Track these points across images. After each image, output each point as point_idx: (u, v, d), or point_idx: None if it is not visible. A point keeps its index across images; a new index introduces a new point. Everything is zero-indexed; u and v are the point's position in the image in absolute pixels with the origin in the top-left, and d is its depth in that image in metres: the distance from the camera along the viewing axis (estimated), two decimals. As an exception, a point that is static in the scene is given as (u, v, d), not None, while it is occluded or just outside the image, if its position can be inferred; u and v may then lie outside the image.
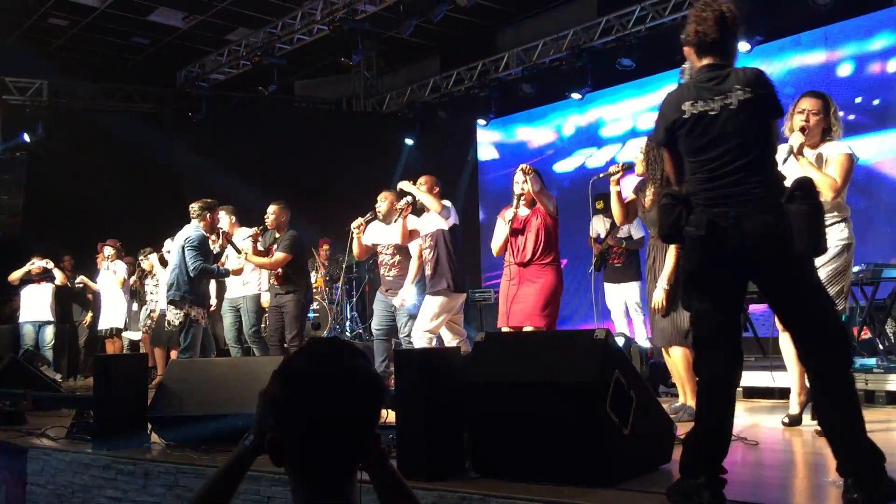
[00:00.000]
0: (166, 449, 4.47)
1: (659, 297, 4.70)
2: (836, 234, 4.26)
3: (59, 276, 9.83)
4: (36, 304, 9.64)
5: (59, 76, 12.13)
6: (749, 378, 5.64)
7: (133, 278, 9.95)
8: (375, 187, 7.13)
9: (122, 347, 9.88)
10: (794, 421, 4.54)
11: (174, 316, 6.69)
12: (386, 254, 6.74)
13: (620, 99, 11.33)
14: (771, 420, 4.80)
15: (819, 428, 4.21)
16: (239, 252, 7.06)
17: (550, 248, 5.55)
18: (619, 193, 5.08)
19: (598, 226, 8.24)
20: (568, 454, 3.17)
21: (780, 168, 3.15)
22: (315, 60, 12.88)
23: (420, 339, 6.01)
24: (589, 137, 11.75)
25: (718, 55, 2.96)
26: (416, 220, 6.45)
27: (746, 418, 4.98)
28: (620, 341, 5.99)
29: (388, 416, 3.81)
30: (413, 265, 6.46)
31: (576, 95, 10.96)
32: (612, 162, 5.25)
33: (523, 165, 5.69)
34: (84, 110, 12.27)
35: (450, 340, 6.12)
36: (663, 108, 3.06)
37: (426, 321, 6.03)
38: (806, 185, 2.81)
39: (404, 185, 6.39)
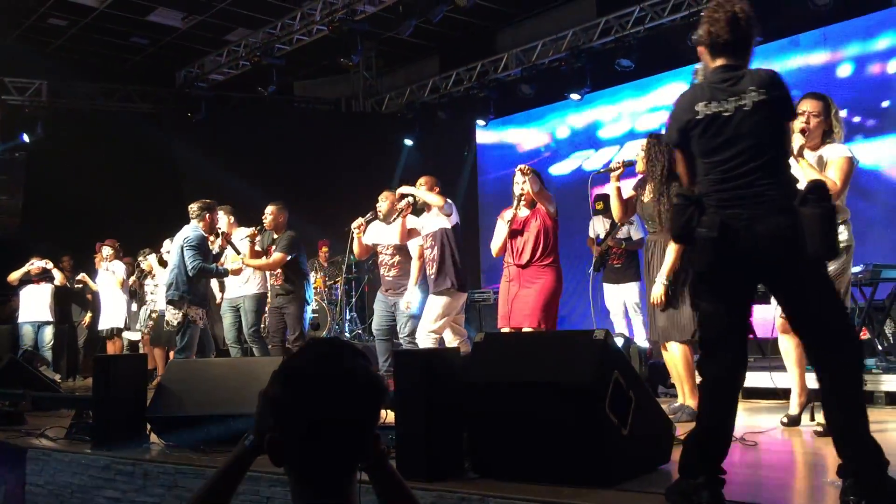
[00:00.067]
0: (165, 449, 4.47)
1: (658, 291, 4.71)
2: (836, 237, 4.26)
3: (59, 277, 9.83)
4: (35, 305, 9.64)
5: (58, 76, 12.12)
6: (748, 378, 5.59)
7: (132, 279, 9.95)
8: (374, 188, 7.14)
9: (123, 348, 9.88)
10: (793, 421, 4.55)
11: (172, 316, 6.70)
12: (386, 254, 6.75)
13: (619, 100, 11.33)
14: (770, 420, 4.80)
15: (818, 429, 4.24)
16: (238, 252, 7.07)
17: (550, 249, 5.56)
18: (618, 189, 5.10)
19: (598, 226, 8.24)
20: (567, 454, 3.18)
21: None
22: (314, 61, 12.87)
23: (425, 339, 5.99)
24: (588, 138, 11.75)
25: (732, 56, 2.95)
26: (416, 219, 6.46)
27: (745, 419, 4.98)
28: (619, 342, 5.99)
29: (388, 416, 3.81)
30: (414, 266, 6.46)
31: (575, 96, 10.96)
32: (609, 165, 5.25)
33: (522, 165, 5.70)
34: (83, 110, 12.27)
35: (450, 341, 6.10)
36: (676, 109, 3.04)
37: (430, 321, 6.01)
38: (819, 188, 2.80)
39: (404, 189, 6.41)
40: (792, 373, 4.57)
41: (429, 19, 10.11)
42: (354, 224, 6.67)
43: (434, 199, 6.15)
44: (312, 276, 9.10)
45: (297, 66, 12.57)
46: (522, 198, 5.61)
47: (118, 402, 4.53)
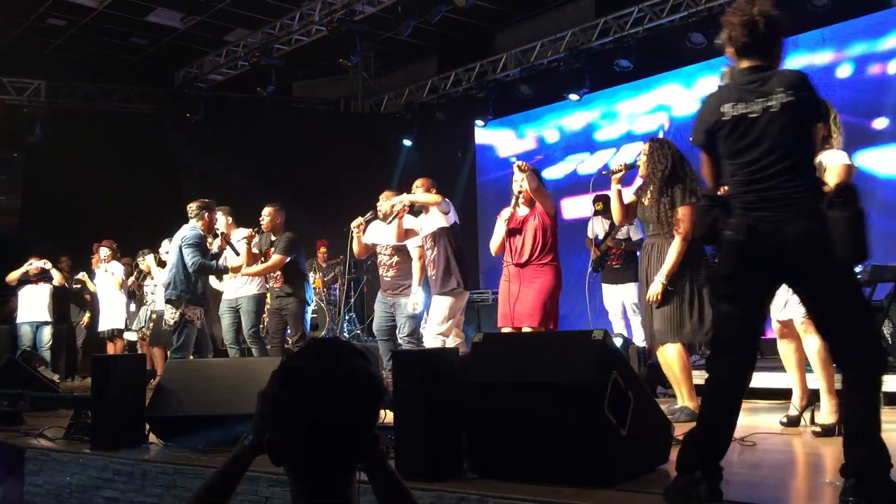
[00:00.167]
0: (164, 450, 4.46)
1: (656, 290, 4.71)
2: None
3: (57, 277, 9.82)
4: (34, 305, 9.63)
5: (57, 76, 12.12)
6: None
7: (132, 279, 9.94)
8: (373, 188, 7.14)
9: (124, 348, 9.87)
10: (793, 422, 4.55)
11: (170, 315, 6.69)
12: (384, 254, 6.75)
13: (618, 100, 11.34)
14: (769, 421, 4.80)
15: (816, 430, 4.25)
16: (237, 253, 7.06)
17: (548, 248, 5.54)
18: (619, 192, 5.09)
19: (597, 227, 8.24)
20: (566, 455, 3.18)
21: None
22: (313, 61, 12.87)
23: (433, 341, 5.95)
24: (587, 139, 11.75)
25: (758, 57, 2.92)
26: (414, 220, 6.45)
27: (744, 419, 4.96)
28: (618, 342, 5.99)
29: (386, 416, 3.81)
30: (415, 267, 6.45)
31: (573, 96, 10.96)
32: (605, 168, 5.24)
33: (519, 162, 5.63)
34: (82, 110, 12.26)
35: (448, 342, 6.08)
36: (703, 110, 3.02)
37: (437, 324, 5.98)
38: (846, 191, 2.79)
39: (397, 200, 6.36)
40: (793, 376, 4.58)
41: (427, 20, 10.11)
42: (354, 223, 6.68)
43: (430, 197, 6.15)
44: (311, 277, 9.09)
45: (295, 66, 12.57)
46: (521, 195, 5.60)
47: (117, 402, 4.52)
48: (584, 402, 3.13)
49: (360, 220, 6.68)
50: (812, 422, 4.43)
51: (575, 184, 11.04)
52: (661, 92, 10.75)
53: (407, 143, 13.13)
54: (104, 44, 12.45)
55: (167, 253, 7.98)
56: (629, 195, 5.16)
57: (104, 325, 9.90)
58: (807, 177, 2.86)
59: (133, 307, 9.95)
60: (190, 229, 6.73)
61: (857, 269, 5.60)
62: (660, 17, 10.17)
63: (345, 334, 10.30)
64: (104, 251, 9.82)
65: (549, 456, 3.20)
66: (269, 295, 7.41)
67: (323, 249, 11.17)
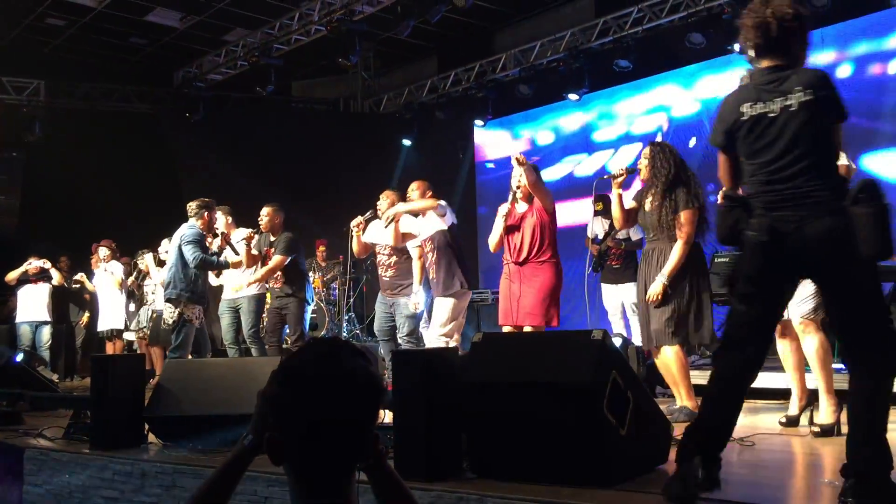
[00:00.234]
0: (163, 449, 4.46)
1: (656, 289, 4.69)
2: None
3: (56, 277, 9.81)
4: (33, 305, 9.62)
5: (56, 76, 12.12)
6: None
7: (131, 279, 9.94)
8: (373, 188, 7.13)
9: (123, 348, 9.87)
10: (792, 422, 4.55)
11: (169, 314, 6.69)
12: (383, 254, 6.75)
13: (617, 100, 11.34)
14: (768, 420, 4.80)
15: (815, 430, 4.25)
16: (237, 253, 7.05)
17: (547, 245, 5.49)
18: (620, 197, 5.07)
19: (597, 227, 8.23)
20: (565, 455, 3.18)
21: None
22: (312, 61, 12.87)
23: (436, 343, 5.91)
24: (585, 139, 11.75)
25: (776, 57, 2.91)
26: (412, 221, 6.44)
27: (744, 419, 4.97)
28: (618, 342, 5.99)
29: (386, 416, 3.81)
30: (416, 267, 6.45)
31: (573, 96, 10.97)
32: (604, 170, 5.23)
33: (518, 155, 5.55)
34: (81, 110, 12.26)
35: (453, 343, 6.08)
36: (721, 111, 3.01)
37: (439, 326, 5.96)
38: (870, 187, 2.75)
39: (391, 212, 6.35)
40: (792, 376, 4.58)
41: (427, 20, 10.11)
42: (354, 222, 6.67)
43: (424, 203, 6.13)
44: (311, 276, 9.09)
45: (295, 66, 12.57)
46: (519, 189, 5.57)
47: (116, 402, 4.52)
48: (583, 402, 3.13)
49: (359, 218, 6.68)
50: (811, 422, 4.43)
51: (571, 186, 11.04)
52: (661, 92, 10.75)
53: (406, 142, 13.13)
54: (103, 43, 12.45)
55: (166, 253, 7.97)
56: (629, 200, 5.14)
57: (103, 325, 9.90)
58: (828, 175, 2.83)
59: (132, 307, 9.95)
60: (189, 228, 6.73)
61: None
62: (659, 17, 10.17)
63: (344, 334, 10.30)
64: (103, 251, 9.82)
65: (549, 456, 3.20)
66: (269, 295, 7.42)
67: (322, 249, 11.16)
